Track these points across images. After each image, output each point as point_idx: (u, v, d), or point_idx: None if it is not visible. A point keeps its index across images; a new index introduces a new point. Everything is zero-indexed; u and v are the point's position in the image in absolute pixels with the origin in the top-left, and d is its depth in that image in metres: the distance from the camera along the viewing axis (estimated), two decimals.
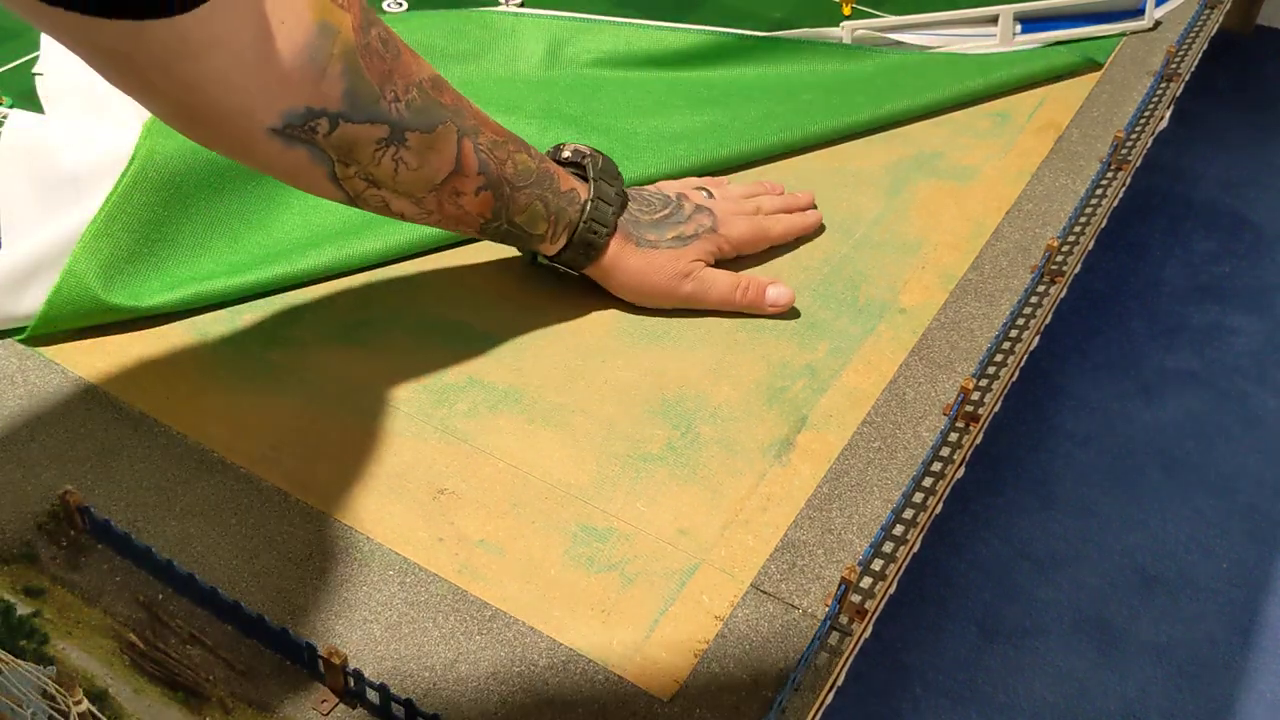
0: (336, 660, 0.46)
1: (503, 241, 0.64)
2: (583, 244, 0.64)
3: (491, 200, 0.60)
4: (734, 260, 0.71)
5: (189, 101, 0.48)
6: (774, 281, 0.68)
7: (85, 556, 0.52)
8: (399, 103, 0.53)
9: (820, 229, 0.75)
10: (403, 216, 0.59)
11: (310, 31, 0.48)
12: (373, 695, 0.47)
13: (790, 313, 0.68)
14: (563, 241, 0.64)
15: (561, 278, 0.68)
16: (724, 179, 0.76)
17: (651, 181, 0.76)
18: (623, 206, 0.66)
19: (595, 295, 0.68)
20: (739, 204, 0.72)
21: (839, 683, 0.50)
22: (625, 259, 0.65)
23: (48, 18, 0.42)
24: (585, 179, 0.65)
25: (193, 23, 0.44)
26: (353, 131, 0.52)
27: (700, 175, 0.78)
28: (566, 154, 0.66)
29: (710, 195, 0.71)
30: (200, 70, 0.46)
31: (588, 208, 0.63)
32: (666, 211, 0.68)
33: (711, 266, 0.68)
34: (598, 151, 0.66)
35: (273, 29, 0.47)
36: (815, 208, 0.76)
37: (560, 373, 0.64)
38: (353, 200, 0.56)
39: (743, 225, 0.70)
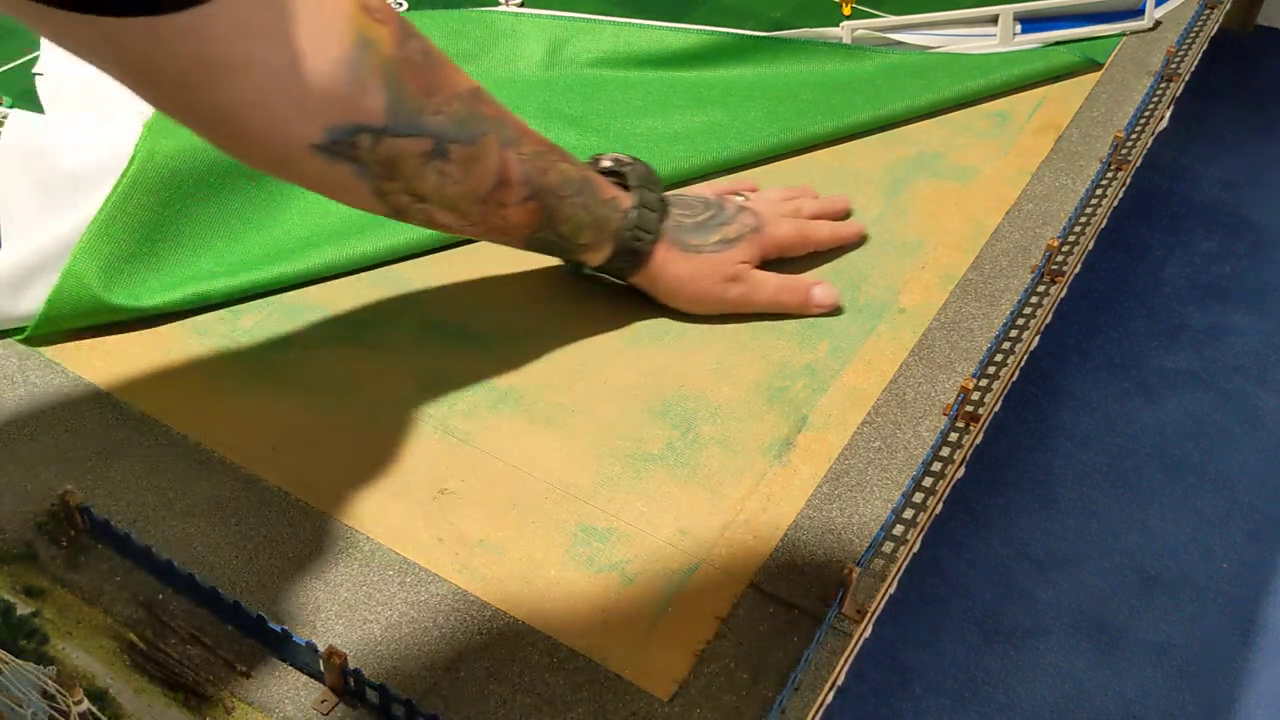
0: (336, 660, 0.46)
1: (546, 252, 0.64)
2: (628, 252, 0.63)
3: (537, 210, 0.59)
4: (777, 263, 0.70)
5: (225, 122, 0.48)
6: (819, 282, 0.68)
7: (85, 556, 0.52)
8: (441, 115, 0.53)
9: (863, 239, 0.73)
10: (447, 229, 0.58)
11: (348, 47, 0.48)
12: (373, 695, 0.47)
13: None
14: (608, 250, 0.63)
15: (609, 287, 0.67)
16: (753, 182, 0.76)
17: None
18: (666, 213, 0.65)
19: (596, 296, 0.68)
20: (779, 205, 0.71)
21: (839, 683, 0.50)
22: (671, 265, 0.65)
23: (51, 21, 0.43)
24: (626, 187, 0.64)
25: (214, 42, 0.44)
26: (396, 146, 0.52)
27: (700, 176, 0.78)
28: (606, 163, 0.65)
29: (746, 198, 0.71)
30: (232, 91, 0.46)
31: (631, 215, 0.63)
32: (709, 214, 0.67)
33: (756, 269, 0.67)
34: (637, 160, 0.66)
35: (308, 47, 0.47)
36: (851, 212, 0.75)
37: (560, 373, 0.64)
38: (396, 214, 0.56)
39: (787, 226, 0.69)
